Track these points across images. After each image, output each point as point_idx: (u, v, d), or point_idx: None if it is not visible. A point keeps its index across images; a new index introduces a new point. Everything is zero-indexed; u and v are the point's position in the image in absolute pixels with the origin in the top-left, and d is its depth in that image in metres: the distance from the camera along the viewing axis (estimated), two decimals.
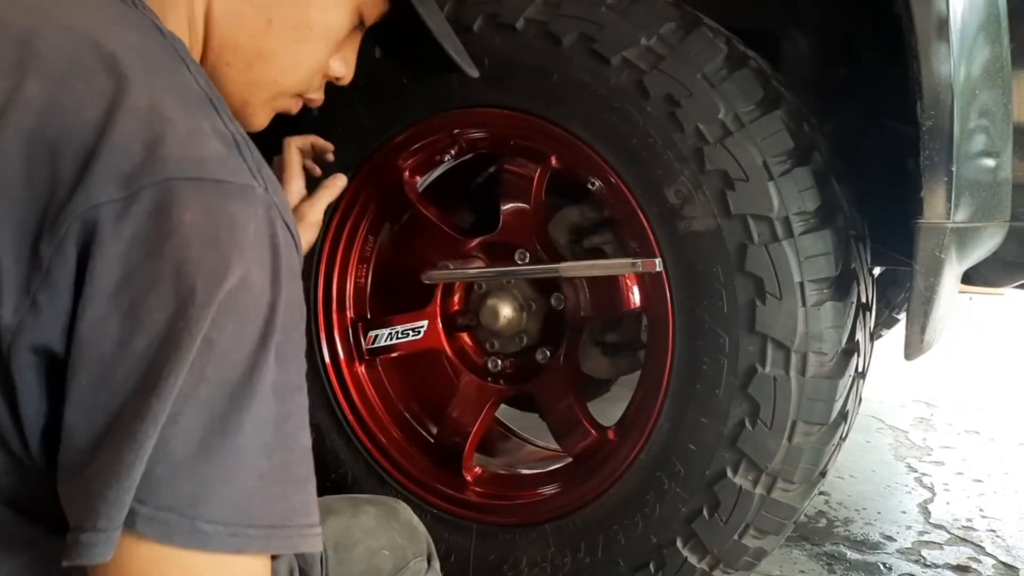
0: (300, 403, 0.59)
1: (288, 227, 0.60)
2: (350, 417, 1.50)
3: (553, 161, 1.36)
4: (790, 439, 1.20)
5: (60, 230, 0.53)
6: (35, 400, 0.56)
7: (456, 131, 1.40)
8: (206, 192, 0.56)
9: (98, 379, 0.53)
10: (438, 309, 1.49)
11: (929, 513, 2.10)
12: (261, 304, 0.56)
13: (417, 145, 1.42)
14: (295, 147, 1.13)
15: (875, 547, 1.90)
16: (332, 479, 1.50)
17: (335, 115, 1.44)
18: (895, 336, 2.60)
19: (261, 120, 0.83)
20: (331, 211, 1.46)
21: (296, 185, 1.12)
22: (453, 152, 1.45)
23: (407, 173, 1.46)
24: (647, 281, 1.30)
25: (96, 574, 0.53)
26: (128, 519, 0.51)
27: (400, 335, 1.50)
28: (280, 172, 1.11)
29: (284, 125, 0.92)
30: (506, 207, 1.43)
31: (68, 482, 0.54)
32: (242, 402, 0.54)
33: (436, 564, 1.06)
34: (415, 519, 1.06)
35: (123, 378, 0.53)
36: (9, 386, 0.56)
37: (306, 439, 0.58)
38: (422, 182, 1.50)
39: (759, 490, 1.22)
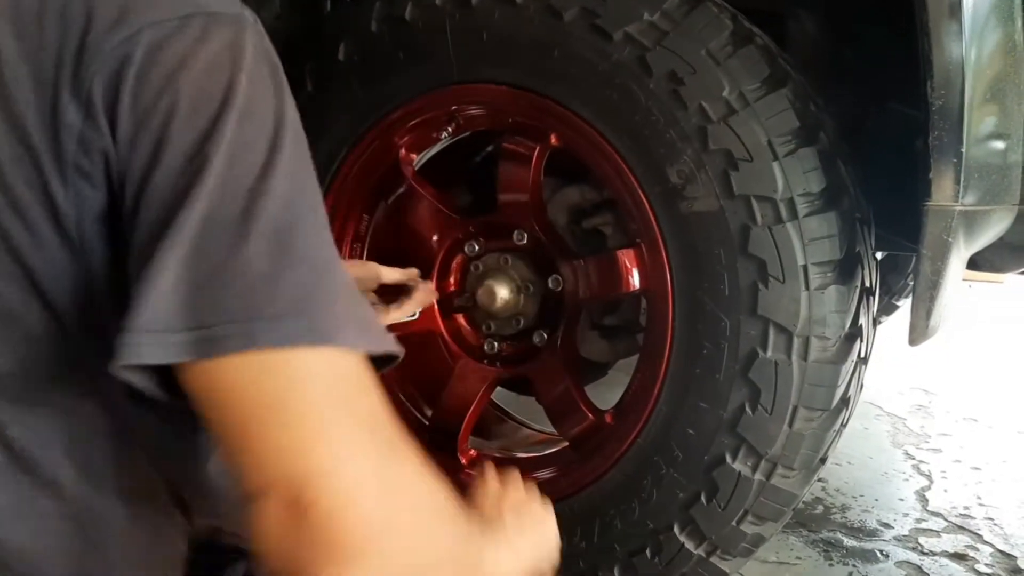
0: (329, 234, 0.60)
1: (277, 58, 0.62)
2: None
3: (553, 139, 1.33)
4: (791, 425, 1.18)
5: (82, 88, 0.55)
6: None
7: (454, 108, 1.37)
8: (202, 24, 0.57)
9: (139, 204, 0.55)
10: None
11: (927, 501, 2.09)
12: (270, 119, 0.58)
13: (414, 122, 1.39)
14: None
15: (872, 534, 1.89)
16: None
17: (330, 90, 1.41)
18: (894, 323, 2.58)
19: None
20: (326, 188, 1.44)
21: (389, 274, 1.30)
22: (450, 129, 1.42)
23: (403, 151, 1.43)
24: (647, 263, 1.28)
25: (237, 401, 0.52)
26: (250, 340, 0.51)
27: None
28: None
29: None
30: (504, 187, 1.41)
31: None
32: (294, 210, 0.55)
33: None
34: None
35: (161, 199, 0.54)
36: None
37: (346, 271, 0.59)
38: (418, 160, 1.47)
39: (758, 476, 1.20)
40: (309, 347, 0.52)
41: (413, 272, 1.35)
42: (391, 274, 1.31)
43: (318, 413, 0.51)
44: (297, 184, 0.56)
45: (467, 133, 1.45)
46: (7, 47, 0.56)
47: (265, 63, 0.60)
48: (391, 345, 0.58)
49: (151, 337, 0.50)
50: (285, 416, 0.51)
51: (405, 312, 1.30)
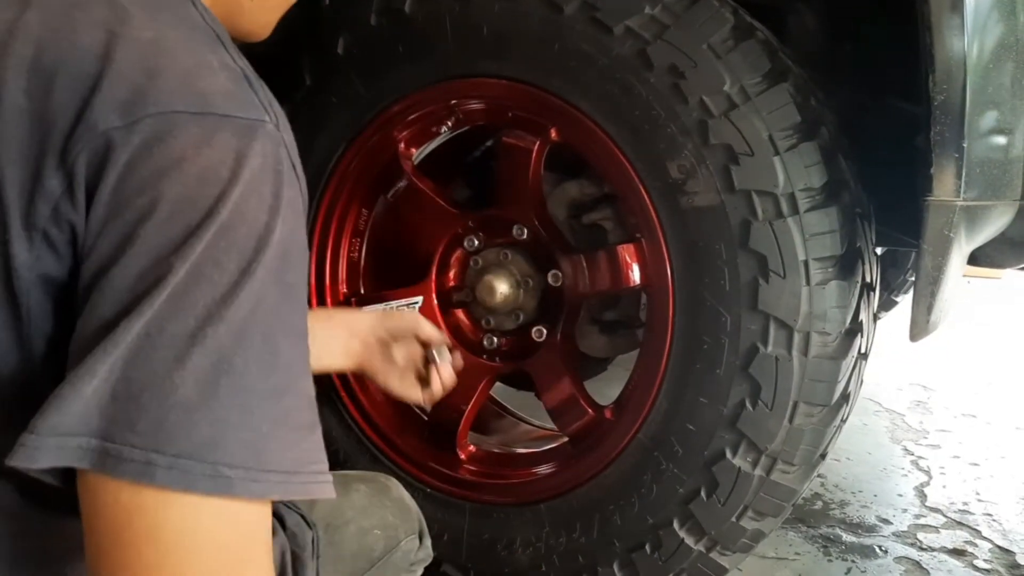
0: (303, 349, 0.57)
1: (295, 168, 0.59)
2: (343, 394, 1.47)
3: (553, 134, 1.33)
4: (791, 420, 1.18)
5: (68, 160, 0.53)
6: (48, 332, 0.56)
7: (453, 102, 1.37)
8: (210, 127, 0.54)
9: (93, 301, 0.52)
10: (433, 285, 1.47)
11: (925, 496, 2.09)
12: (253, 240, 0.54)
13: (413, 116, 1.39)
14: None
15: (871, 530, 1.89)
16: None
17: (329, 84, 1.41)
18: (893, 318, 2.59)
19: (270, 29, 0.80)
20: (324, 183, 1.43)
21: (426, 330, 1.21)
22: (450, 124, 1.42)
23: (402, 145, 1.42)
24: (647, 258, 1.27)
25: (103, 526, 0.51)
26: (147, 471, 0.49)
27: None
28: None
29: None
30: (504, 181, 1.40)
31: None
32: (246, 340, 0.52)
33: (427, 541, 1.05)
34: (406, 496, 1.04)
35: (112, 299, 0.52)
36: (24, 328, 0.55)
37: (310, 386, 0.57)
38: (418, 154, 1.46)
39: (758, 472, 1.20)
40: (203, 495, 0.50)
41: (445, 339, 1.25)
42: (427, 330, 1.21)
43: (173, 570, 0.50)
44: (262, 313, 0.53)
45: (467, 127, 1.45)
46: (12, 102, 0.54)
47: (270, 178, 0.56)
48: (318, 491, 0.55)
49: (54, 440, 0.49)
50: (139, 563, 0.49)
51: (435, 395, 1.22)
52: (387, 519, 0.98)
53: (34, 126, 0.54)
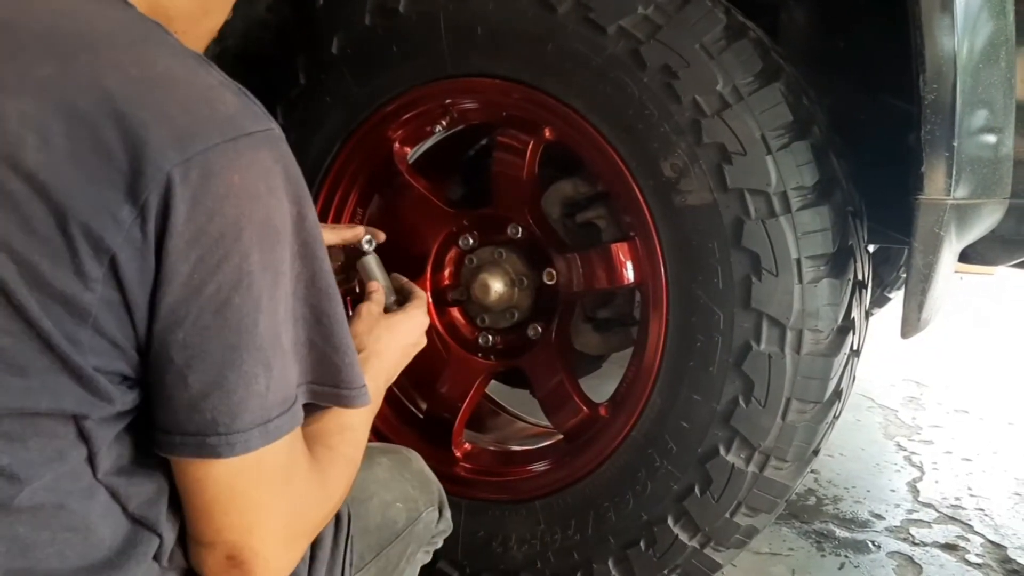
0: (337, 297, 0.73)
1: (295, 163, 0.71)
2: None
3: (547, 133, 1.34)
4: (784, 417, 1.19)
5: (140, 196, 0.61)
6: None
7: (448, 101, 1.37)
8: (243, 148, 0.65)
9: (186, 327, 0.64)
10: (428, 283, 1.47)
11: (918, 492, 2.10)
12: (288, 227, 0.68)
13: (408, 115, 1.39)
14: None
15: (864, 525, 1.90)
16: None
17: (323, 84, 1.41)
18: (886, 315, 2.60)
19: None
20: (319, 182, 1.43)
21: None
22: (444, 123, 1.42)
23: (397, 144, 1.43)
24: (641, 256, 1.28)
25: (198, 482, 0.68)
26: (232, 445, 0.66)
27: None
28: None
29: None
30: (498, 180, 1.41)
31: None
32: (319, 309, 0.71)
33: (447, 513, 1.08)
34: (427, 468, 1.06)
35: (209, 322, 0.64)
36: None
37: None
38: (412, 153, 1.47)
39: (751, 468, 1.21)
40: (262, 448, 0.68)
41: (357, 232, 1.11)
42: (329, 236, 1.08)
43: (261, 502, 0.70)
44: (282, 288, 0.68)
45: (461, 126, 1.45)
46: (58, 145, 0.61)
47: (292, 175, 0.68)
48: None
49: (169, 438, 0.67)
50: (240, 502, 0.69)
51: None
52: (408, 492, 1.00)
53: (86, 163, 0.61)
